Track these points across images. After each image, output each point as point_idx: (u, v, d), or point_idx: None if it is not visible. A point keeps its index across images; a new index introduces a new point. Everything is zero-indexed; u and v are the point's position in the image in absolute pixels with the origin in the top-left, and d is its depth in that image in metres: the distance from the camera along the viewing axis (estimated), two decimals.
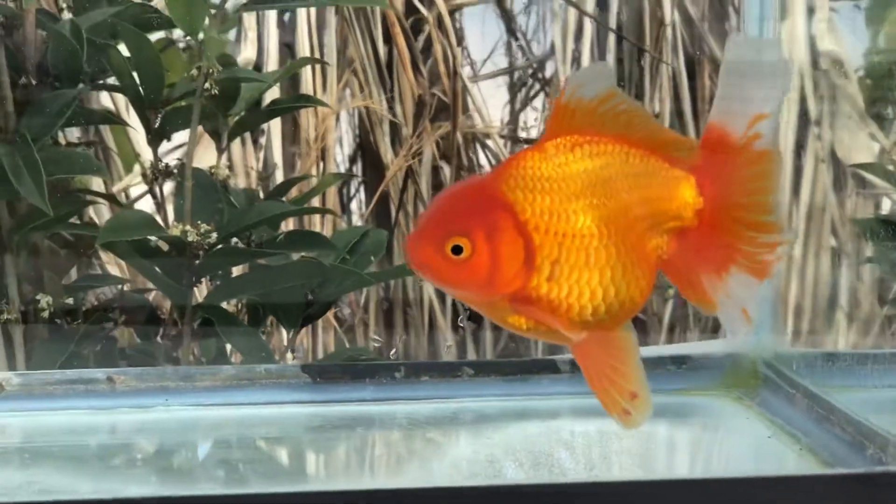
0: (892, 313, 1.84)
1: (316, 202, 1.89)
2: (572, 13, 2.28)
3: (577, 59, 2.29)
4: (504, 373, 1.04)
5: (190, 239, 1.22)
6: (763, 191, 0.79)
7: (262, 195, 1.47)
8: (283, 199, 1.42)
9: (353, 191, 2.54)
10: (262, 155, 1.90)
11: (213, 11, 1.20)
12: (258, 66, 1.88)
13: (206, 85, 1.20)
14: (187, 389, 1.03)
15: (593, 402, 0.76)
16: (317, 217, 1.93)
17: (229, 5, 1.20)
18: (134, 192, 1.86)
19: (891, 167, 1.86)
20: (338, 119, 2.14)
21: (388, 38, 2.17)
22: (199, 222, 1.24)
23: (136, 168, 1.80)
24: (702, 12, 2.44)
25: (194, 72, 1.21)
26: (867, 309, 1.87)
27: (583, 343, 0.78)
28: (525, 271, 0.76)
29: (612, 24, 2.28)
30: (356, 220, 2.53)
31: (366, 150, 2.34)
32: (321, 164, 1.98)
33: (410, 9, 2.25)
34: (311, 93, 1.94)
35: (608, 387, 0.79)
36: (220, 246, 1.22)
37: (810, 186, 1.95)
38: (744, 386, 1.05)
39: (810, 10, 1.90)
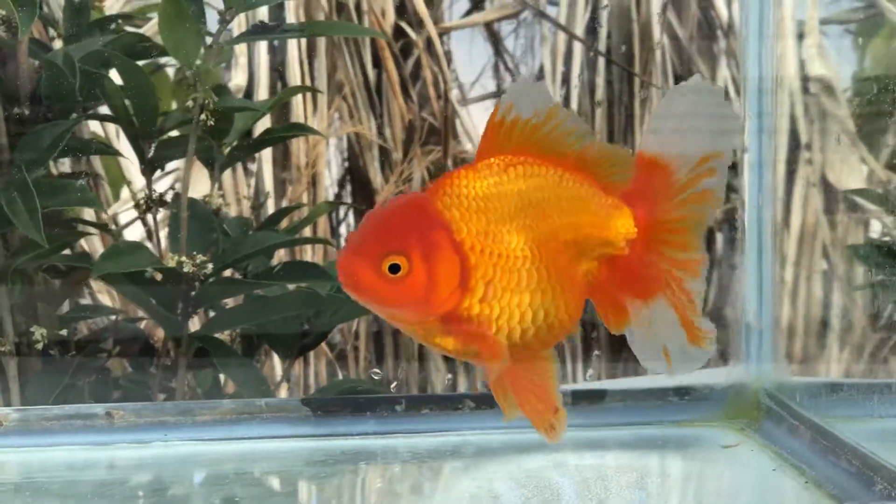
0: (885, 336, 1.84)
1: (307, 229, 1.89)
2: (561, 36, 2.28)
3: (566, 81, 2.29)
4: None
5: (186, 270, 1.21)
6: (695, 223, 0.80)
7: (254, 223, 1.46)
8: (277, 227, 1.41)
9: (341, 215, 2.54)
10: (252, 181, 1.90)
11: (208, 42, 1.19)
12: (249, 92, 1.87)
13: (202, 116, 1.19)
14: (186, 424, 1.02)
15: (595, 435, 0.76)
16: (308, 245, 1.92)
17: (222, 37, 1.19)
18: (123, 219, 1.86)
19: (880, 190, 1.87)
20: (327, 144, 2.14)
21: (378, 62, 2.16)
22: (194, 253, 1.23)
23: (125, 194, 1.80)
24: (690, 34, 2.45)
25: (190, 103, 1.20)
26: (859, 332, 1.87)
27: (511, 367, 0.77)
28: (460, 291, 0.75)
29: (602, 47, 2.29)
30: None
31: (355, 174, 2.34)
32: (312, 190, 1.98)
33: (399, 32, 2.25)
34: (301, 119, 1.93)
35: (536, 405, 0.80)
36: (216, 277, 1.21)
37: (801, 210, 1.96)
38: (746, 417, 1.05)
39: (800, 35, 1.91)
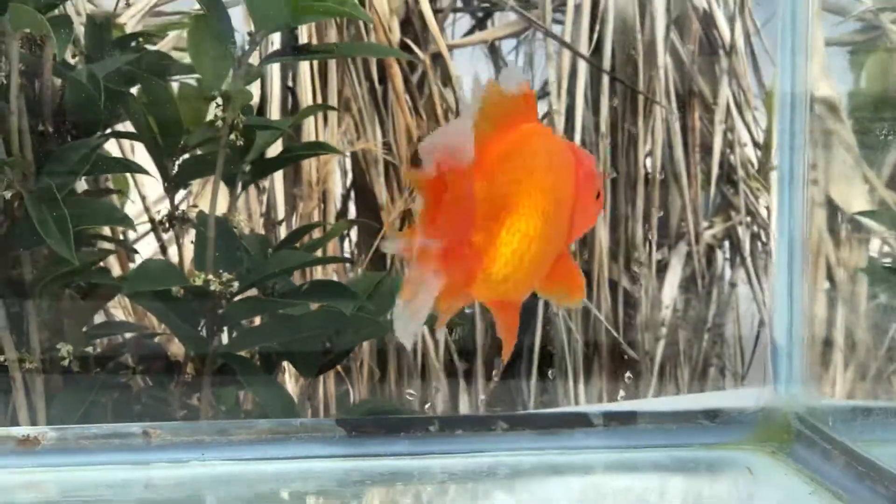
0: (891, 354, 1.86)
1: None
2: (566, 54, 2.30)
3: (571, 95, 2.31)
4: (537, 426, 1.04)
5: (213, 288, 1.22)
6: None
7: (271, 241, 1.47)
8: (297, 244, 1.43)
9: (344, 232, 2.55)
10: (265, 198, 1.91)
11: (237, 63, 1.20)
12: (262, 110, 1.88)
13: (232, 136, 1.20)
14: (223, 443, 1.03)
15: (627, 457, 0.77)
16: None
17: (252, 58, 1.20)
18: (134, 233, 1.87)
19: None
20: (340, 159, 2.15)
21: (383, 78, 2.18)
22: (220, 271, 1.24)
23: (133, 206, 1.80)
24: (692, 55, 2.47)
25: (219, 123, 1.21)
26: (864, 351, 1.89)
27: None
28: None
29: (606, 65, 2.31)
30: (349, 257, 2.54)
31: (360, 189, 2.35)
32: (323, 206, 1.99)
33: (404, 48, 2.27)
34: (312, 135, 1.95)
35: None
36: (242, 296, 1.22)
37: (806, 230, 1.98)
38: (777, 440, 1.06)
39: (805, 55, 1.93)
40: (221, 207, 1.39)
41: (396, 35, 2.24)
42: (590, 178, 0.83)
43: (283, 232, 1.91)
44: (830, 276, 1.94)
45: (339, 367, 2.01)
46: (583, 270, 1.06)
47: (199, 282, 1.21)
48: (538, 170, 0.80)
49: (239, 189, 1.39)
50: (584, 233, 0.87)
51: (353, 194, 2.48)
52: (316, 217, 1.96)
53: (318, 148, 1.43)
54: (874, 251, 2.01)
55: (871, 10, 1.89)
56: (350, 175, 2.43)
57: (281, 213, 1.90)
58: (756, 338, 2.59)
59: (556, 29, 2.38)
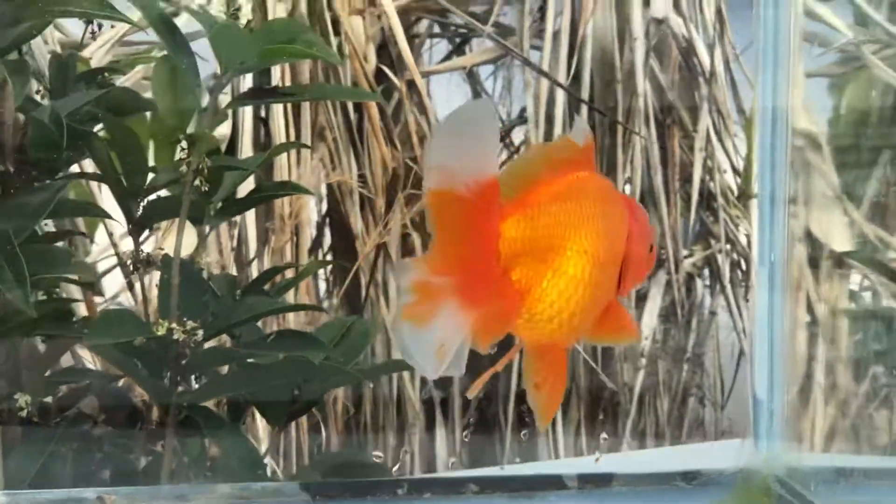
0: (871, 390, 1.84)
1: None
2: (545, 81, 2.27)
3: (550, 122, 2.28)
4: (509, 489, 1.01)
5: (176, 337, 1.18)
6: None
7: (243, 279, 1.44)
8: (266, 286, 1.39)
9: (320, 257, 2.51)
10: (236, 232, 1.87)
11: (203, 105, 1.17)
12: (233, 142, 1.85)
13: (196, 182, 1.17)
14: None
15: None
16: (289, 296, 1.90)
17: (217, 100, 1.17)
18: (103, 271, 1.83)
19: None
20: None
21: (359, 106, 2.15)
22: (185, 319, 1.20)
23: (98, 245, 1.77)
24: (671, 81, 2.45)
25: (183, 168, 1.17)
26: (845, 387, 1.86)
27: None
28: None
29: (584, 94, 2.28)
30: (324, 285, 2.50)
31: (335, 221, 2.32)
32: (295, 240, 1.96)
33: (379, 74, 2.24)
34: (286, 168, 1.91)
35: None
36: (207, 346, 1.18)
37: (786, 265, 1.95)
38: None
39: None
40: (189, 247, 1.36)
41: (373, 63, 2.21)
42: (643, 231, 0.85)
43: (255, 268, 1.87)
44: (811, 311, 1.91)
45: (315, 412, 1.98)
46: None
47: (161, 331, 1.18)
48: (590, 216, 0.81)
49: (207, 230, 1.35)
50: (637, 286, 0.89)
51: (328, 224, 2.45)
52: (289, 251, 1.92)
53: (290, 188, 1.39)
54: (854, 283, 1.98)
55: (853, 41, 1.87)
56: (325, 204, 2.40)
57: (253, 248, 1.86)
58: (736, 366, 2.57)
59: (535, 55, 2.35)
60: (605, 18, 2.29)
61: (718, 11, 2.38)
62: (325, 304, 2.35)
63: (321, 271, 2.53)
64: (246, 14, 1.09)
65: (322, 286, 2.51)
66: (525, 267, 0.79)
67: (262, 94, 1.13)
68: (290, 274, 1.50)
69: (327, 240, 2.47)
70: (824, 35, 1.97)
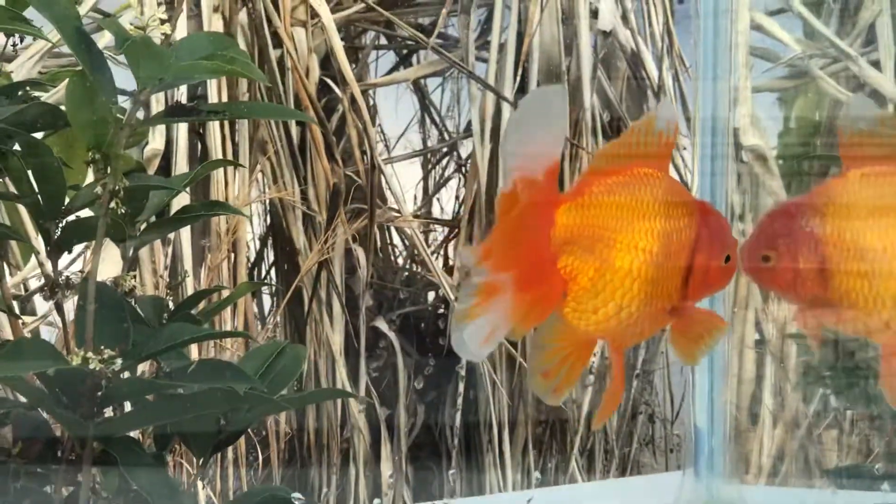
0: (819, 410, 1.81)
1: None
2: (491, 95, 2.24)
3: (496, 135, 2.24)
4: None
5: (92, 366, 1.13)
6: None
7: (172, 301, 1.38)
8: (194, 310, 1.33)
9: (262, 273, 2.46)
10: (169, 249, 1.81)
11: (120, 123, 1.11)
12: (167, 157, 1.80)
13: (112, 205, 1.11)
14: None
15: None
16: (227, 313, 1.85)
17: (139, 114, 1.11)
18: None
19: None
20: (249, 206, 2.06)
21: (301, 121, 2.10)
22: (102, 347, 1.15)
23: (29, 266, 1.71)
24: (620, 94, 2.42)
25: (98, 189, 1.12)
26: (793, 407, 1.83)
27: None
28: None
29: None
30: (267, 302, 2.45)
31: (277, 234, 2.27)
32: (233, 257, 1.90)
33: (323, 87, 2.19)
34: (222, 182, 1.86)
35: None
36: (125, 376, 1.13)
37: (733, 280, 1.92)
38: None
39: (733, 102, 1.88)
40: (113, 270, 1.31)
41: (315, 74, 2.17)
42: (717, 238, 0.84)
43: (190, 286, 1.82)
44: (759, 331, 1.88)
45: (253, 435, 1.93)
46: None
47: (76, 361, 1.12)
48: (648, 213, 0.81)
49: (130, 252, 1.30)
50: (711, 294, 0.89)
51: (270, 239, 2.40)
52: (226, 269, 1.87)
53: (219, 208, 1.34)
54: None
55: (801, 56, 1.85)
56: (268, 219, 2.35)
57: (188, 267, 1.81)
58: (686, 383, 2.54)
59: (481, 68, 2.31)
60: (551, 31, 2.25)
61: (667, 24, 2.35)
62: (269, 321, 2.30)
63: (264, 289, 2.48)
64: (164, 29, 1.04)
65: (266, 301, 2.46)
66: (573, 255, 0.80)
67: (182, 112, 1.08)
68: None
69: (270, 259, 2.43)
70: (773, 50, 1.94)
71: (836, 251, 0.85)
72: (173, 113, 1.05)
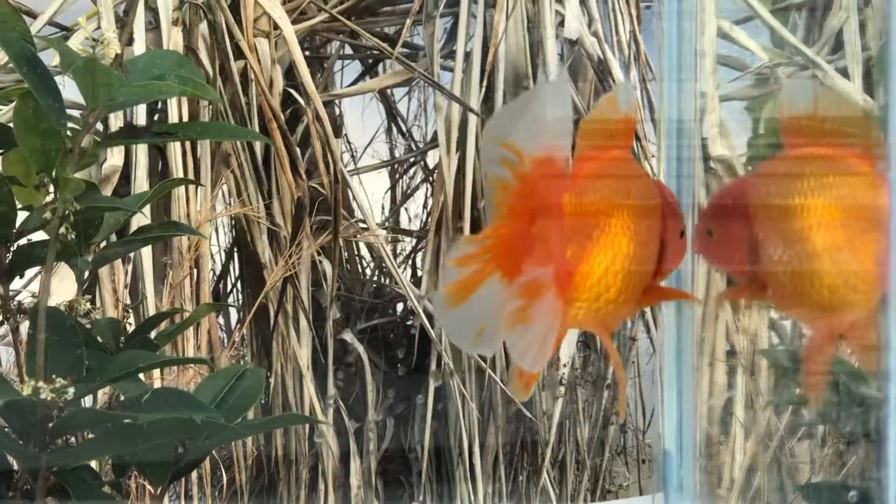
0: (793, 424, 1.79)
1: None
2: (455, 105, 2.21)
3: (462, 146, 2.22)
4: None
5: (43, 396, 1.09)
6: None
7: (131, 322, 1.35)
8: (153, 332, 1.30)
9: (229, 286, 2.43)
10: (130, 267, 1.78)
11: (69, 145, 1.08)
12: (126, 174, 1.76)
13: (62, 230, 1.08)
14: None
15: None
16: (191, 331, 1.81)
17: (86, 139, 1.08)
18: None
19: None
20: (213, 220, 2.03)
21: (264, 131, 2.07)
22: (54, 376, 1.11)
23: None
24: (587, 103, 2.40)
25: (48, 214, 1.08)
26: (764, 421, 1.81)
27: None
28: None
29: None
30: (234, 315, 2.42)
31: (242, 247, 2.23)
32: (196, 273, 1.87)
33: (288, 97, 2.16)
34: (183, 197, 1.83)
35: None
36: (77, 407, 1.09)
37: (703, 293, 1.90)
38: None
39: (701, 112, 1.86)
40: (72, 290, 1.27)
41: (280, 85, 2.14)
42: (674, 214, 0.85)
43: (152, 305, 1.78)
44: (730, 343, 1.86)
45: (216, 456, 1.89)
46: None
47: (27, 391, 1.08)
48: (631, 195, 0.81)
49: (84, 275, 1.26)
50: (672, 270, 0.88)
51: (235, 253, 2.36)
52: (188, 286, 1.84)
53: (176, 228, 1.31)
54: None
55: (768, 65, 1.83)
56: (233, 231, 2.32)
57: (149, 285, 1.77)
58: (660, 391, 2.52)
59: (446, 76, 2.28)
60: (517, 39, 2.23)
61: (633, 32, 2.33)
62: (235, 335, 2.26)
63: (230, 298, 2.44)
64: (115, 48, 1.01)
65: (233, 315, 2.43)
66: (574, 243, 0.79)
67: (135, 133, 1.05)
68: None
69: (235, 273, 2.39)
70: (740, 58, 1.92)
71: (770, 229, 0.86)
72: (126, 135, 1.02)
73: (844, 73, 1.94)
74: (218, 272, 2.40)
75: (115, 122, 1.60)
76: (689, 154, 1.48)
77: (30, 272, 1.44)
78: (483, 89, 2.18)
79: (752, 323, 1.85)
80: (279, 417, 1.54)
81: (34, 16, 1.77)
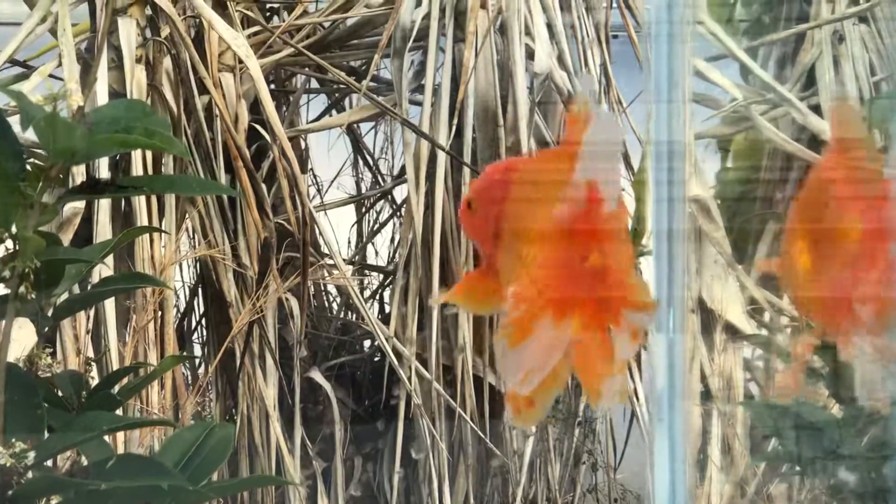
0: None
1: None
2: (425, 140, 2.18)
3: (431, 180, 2.19)
4: None
5: (2, 462, 1.05)
6: None
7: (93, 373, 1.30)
8: (116, 387, 1.26)
9: (193, 324, 2.38)
10: (91, 312, 1.73)
11: (29, 201, 1.04)
12: (88, 215, 1.71)
13: (22, 289, 1.04)
14: None
15: None
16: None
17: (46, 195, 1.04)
18: None
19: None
20: (177, 260, 1.98)
21: (230, 168, 2.03)
22: (13, 440, 1.07)
23: None
24: (558, 137, 2.37)
25: (6, 273, 1.04)
26: (740, 462, 1.79)
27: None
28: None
29: (467, 152, 2.19)
30: (197, 350, 2.37)
31: (207, 284, 2.19)
32: (160, 316, 1.82)
33: (253, 132, 2.12)
34: (147, 239, 1.78)
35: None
36: (38, 473, 1.05)
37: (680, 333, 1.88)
38: None
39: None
40: (31, 338, 1.23)
41: (245, 120, 2.10)
42: None
43: (114, 350, 1.73)
44: (705, 385, 1.84)
45: None
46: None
47: None
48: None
49: (44, 329, 1.22)
50: None
51: (200, 290, 2.32)
52: (152, 330, 1.79)
53: (141, 280, 1.27)
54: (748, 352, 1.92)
55: (742, 104, 1.81)
56: (197, 267, 2.27)
57: (112, 330, 1.72)
58: (628, 428, 2.49)
59: (415, 111, 2.25)
60: (486, 74, 2.20)
61: (604, 65, 2.31)
62: (202, 381, 2.21)
63: (195, 335, 2.40)
64: (77, 100, 0.97)
65: (197, 350, 2.38)
66: None
67: (99, 188, 1.00)
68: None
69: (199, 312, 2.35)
70: (712, 95, 1.91)
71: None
72: (89, 189, 0.98)
73: (817, 109, 1.93)
74: (182, 309, 2.35)
75: (77, 172, 1.55)
76: (678, 177, 1.45)
77: None
78: (454, 125, 2.14)
79: (727, 363, 1.83)
80: (248, 480, 1.49)
81: None
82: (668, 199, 1.38)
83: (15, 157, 1.03)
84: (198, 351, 2.36)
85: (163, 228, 1.59)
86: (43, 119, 0.95)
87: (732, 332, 1.81)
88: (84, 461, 1.19)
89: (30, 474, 1.07)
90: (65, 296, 1.27)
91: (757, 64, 1.93)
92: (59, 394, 1.22)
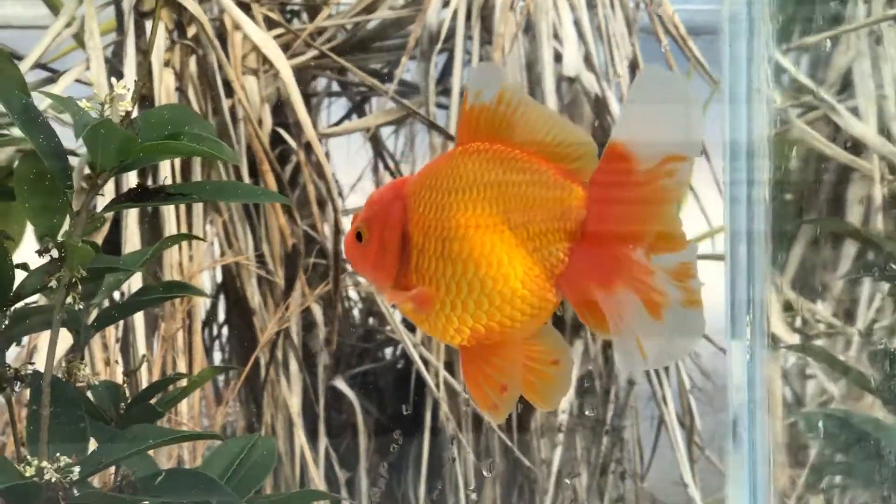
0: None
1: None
2: (450, 144, 2.15)
3: None
4: None
5: (48, 477, 1.02)
6: (651, 216, 0.78)
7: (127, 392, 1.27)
8: (154, 399, 1.23)
9: (215, 331, 2.35)
10: (121, 321, 1.70)
11: (76, 210, 1.01)
12: (117, 220, 1.68)
13: (69, 300, 1.01)
14: None
15: None
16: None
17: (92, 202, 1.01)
18: None
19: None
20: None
21: (254, 171, 2.00)
22: (58, 454, 1.04)
23: None
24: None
25: (53, 283, 1.01)
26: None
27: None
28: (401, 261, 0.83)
29: None
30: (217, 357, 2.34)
31: (230, 293, 2.16)
32: (188, 324, 1.79)
33: (276, 137, 2.09)
34: (176, 247, 1.75)
35: (482, 382, 0.82)
36: (84, 489, 1.02)
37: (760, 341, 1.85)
38: None
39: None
40: (60, 346, 1.20)
41: (268, 124, 2.07)
42: None
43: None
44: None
45: None
46: None
47: (30, 472, 1.01)
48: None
49: (84, 339, 1.19)
50: None
51: (223, 297, 2.29)
52: (181, 339, 1.76)
53: (180, 290, 1.24)
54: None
55: (781, 107, 1.78)
56: (216, 277, 2.24)
57: (140, 338, 1.69)
58: (656, 437, 2.46)
59: (441, 113, 2.22)
60: (514, 77, 2.17)
61: (632, 67, 2.28)
62: (221, 386, 2.18)
63: (216, 342, 2.37)
64: (126, 105, 0.94)
65: (217, 357, 2.35)
66: None
67: (147, 195, 0.97)
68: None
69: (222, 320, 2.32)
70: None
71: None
72: (137, 197, 0.95)
73: (855, 112, 1.89)
74: (204, 317, 2.32)
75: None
76: (758, 177, 1.42)
77: None
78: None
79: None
80: (296, 494, 1.47)
81: (18, 58, 1.70)
82: (746, 199, 1.35)
83: (59, 162, 1.00)
84: (217, 359, 2.33)
85: (198, 237, 1.55)
86: (92, 128, 0.92)
87: (773, 339, 1.78)
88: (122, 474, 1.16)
89: (75, 491, 1.04)
90: (104, 304, 1.24)
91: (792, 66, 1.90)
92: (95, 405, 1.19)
